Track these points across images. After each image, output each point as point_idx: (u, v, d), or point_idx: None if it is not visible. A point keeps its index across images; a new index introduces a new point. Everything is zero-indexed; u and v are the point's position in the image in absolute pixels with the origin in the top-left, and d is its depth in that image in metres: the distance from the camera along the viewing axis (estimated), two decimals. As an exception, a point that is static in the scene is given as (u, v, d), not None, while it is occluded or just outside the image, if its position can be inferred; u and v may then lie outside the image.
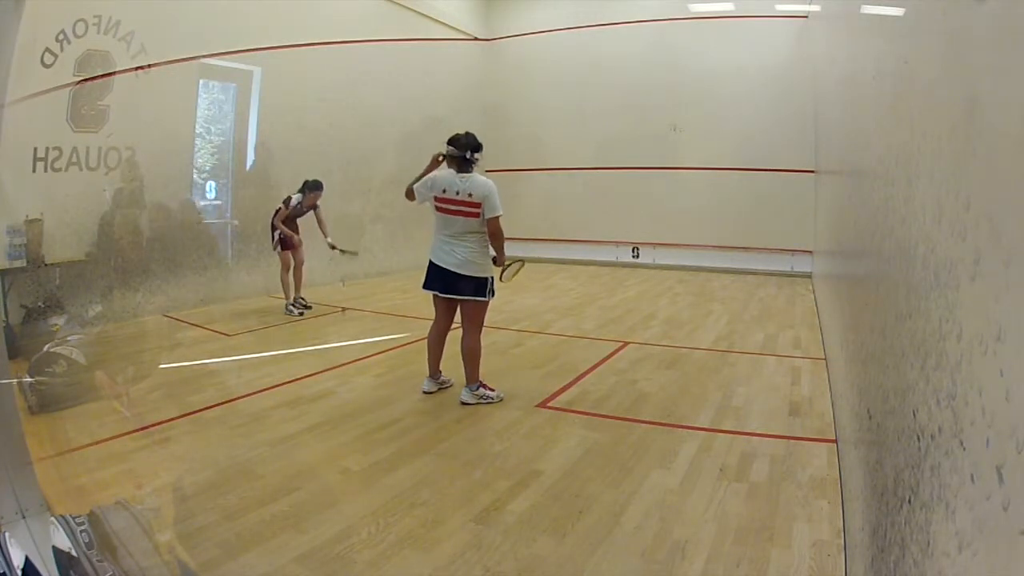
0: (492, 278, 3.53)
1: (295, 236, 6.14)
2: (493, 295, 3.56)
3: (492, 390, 3.61)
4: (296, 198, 6.10)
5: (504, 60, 10.96)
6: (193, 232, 6.61)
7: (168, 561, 2.05)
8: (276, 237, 6.13)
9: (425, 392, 3.70)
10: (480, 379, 3.60)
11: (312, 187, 6.16)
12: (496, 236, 3.49)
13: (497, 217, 3.43)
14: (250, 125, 7.12)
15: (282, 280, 6.24)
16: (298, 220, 6.24)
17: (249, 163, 7.22)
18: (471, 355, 3.56)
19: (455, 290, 3.49)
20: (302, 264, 6.33)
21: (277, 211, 6.09)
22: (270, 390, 3.77)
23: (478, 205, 3.40)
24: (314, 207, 6.22)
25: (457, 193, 3.42)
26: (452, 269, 3.47)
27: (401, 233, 8.89)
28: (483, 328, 3.63)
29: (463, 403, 3.54)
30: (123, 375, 4.18)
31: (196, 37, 6.16)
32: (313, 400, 3.61)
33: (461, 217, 3.43)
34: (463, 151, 3.42)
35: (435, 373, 3.76)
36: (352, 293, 7.30)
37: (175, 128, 6.28)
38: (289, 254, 6.18)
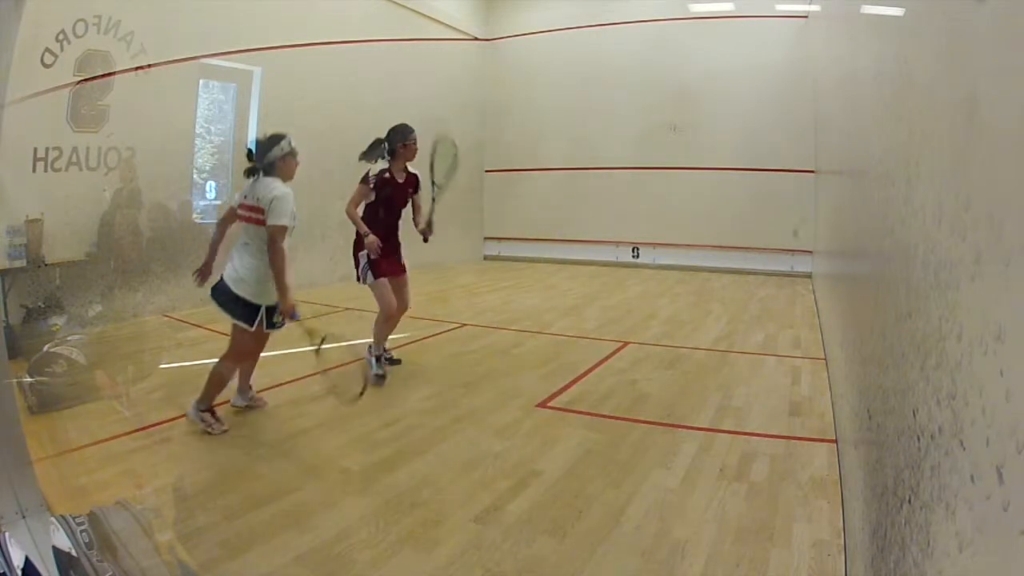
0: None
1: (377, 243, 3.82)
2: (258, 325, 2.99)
3: (213, 422, 3.04)
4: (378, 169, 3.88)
5: (504, 60, 10.96)
6: (193, 232, 6.60)
7: (168, 561, 2.04)
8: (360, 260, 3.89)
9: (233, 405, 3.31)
10: (209, 404, 3.08)
11: (401, 135, 3.95)
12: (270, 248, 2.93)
13: (275, 226, 2.93)
14: (250, 125, 7.11)
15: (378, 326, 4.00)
16: (393, 213, 3.98)
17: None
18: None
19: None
20: (404, 308, 4.07)
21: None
22: (270, 390, 3.76)
23: (262, 211, 3.00)
24: (412, 185, 4.01)
25: (245, 197, 3.10)
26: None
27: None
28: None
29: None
30: (123, 375, 4.18)
31: (196, 37, 6.15)
32: (313, 400, 3.61)
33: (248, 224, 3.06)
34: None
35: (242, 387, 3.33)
36: (352, 293, 7.29)
37: (175, 128, 6.28)
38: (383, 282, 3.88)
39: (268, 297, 3.03)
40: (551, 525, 2.25)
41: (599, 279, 8.75)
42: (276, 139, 3.14)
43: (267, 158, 3.09)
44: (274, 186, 3.04)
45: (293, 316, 2.98)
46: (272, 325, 3.09)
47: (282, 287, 2.94)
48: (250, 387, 3.40)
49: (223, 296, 3.03)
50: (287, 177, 3.14)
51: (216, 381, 3.08)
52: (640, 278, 8.82)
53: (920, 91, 1.18)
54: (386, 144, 3.96)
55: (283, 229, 2.96)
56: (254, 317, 3.03)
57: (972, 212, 0.78)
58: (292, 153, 3.16)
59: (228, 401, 3.32)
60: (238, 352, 3.13)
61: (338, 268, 8.11)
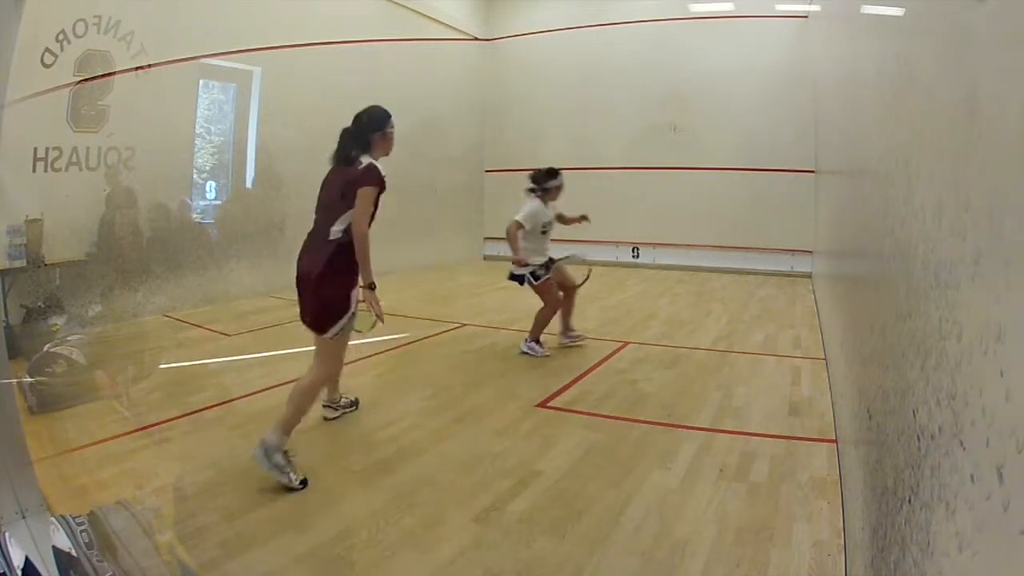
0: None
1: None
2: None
3: (540, 349, 4.58)
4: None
5: (504, 60, 10.95)
6: (193, 232, 6.60)
7: (168, 561, 2.04)
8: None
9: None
10: (536, 337, 4.61)
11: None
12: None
13: (514, 220, 4.47)
14: (250, 125, 7.11)
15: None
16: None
17: (250, 174, 7.17)
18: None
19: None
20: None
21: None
22: (270, 390, 3.76)
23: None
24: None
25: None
26: None
27: (399, 233, 8.89)
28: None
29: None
30: (123, 375, 4.18)
31: (196, 37, 6.15)
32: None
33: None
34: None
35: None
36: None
37: (175, 128, 6.28)
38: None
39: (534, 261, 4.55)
40: (551, 525, 2.25)
41: (599, 279, 8.71)
42: (553, 173, 4.73)
43: (543, 185, 4.64)
44: (528, 203, 4.58)
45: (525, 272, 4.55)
46: (537, 278, 4.52)
47: (515, 252, 4.46)
48: (571, 328, 4.89)
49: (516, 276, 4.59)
50: (550, 200, 4.69)
51: (541, 321, 4.59)
52: (640, 278, 8.82)
53: (920, 91, 1.18)
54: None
55: (517, 224, 4.45)
56: (536, 277, 4.51)
57: (972, 212, 0.78)
58: (559, 186, 4.73)
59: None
60: (552, 301, 4.62)
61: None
